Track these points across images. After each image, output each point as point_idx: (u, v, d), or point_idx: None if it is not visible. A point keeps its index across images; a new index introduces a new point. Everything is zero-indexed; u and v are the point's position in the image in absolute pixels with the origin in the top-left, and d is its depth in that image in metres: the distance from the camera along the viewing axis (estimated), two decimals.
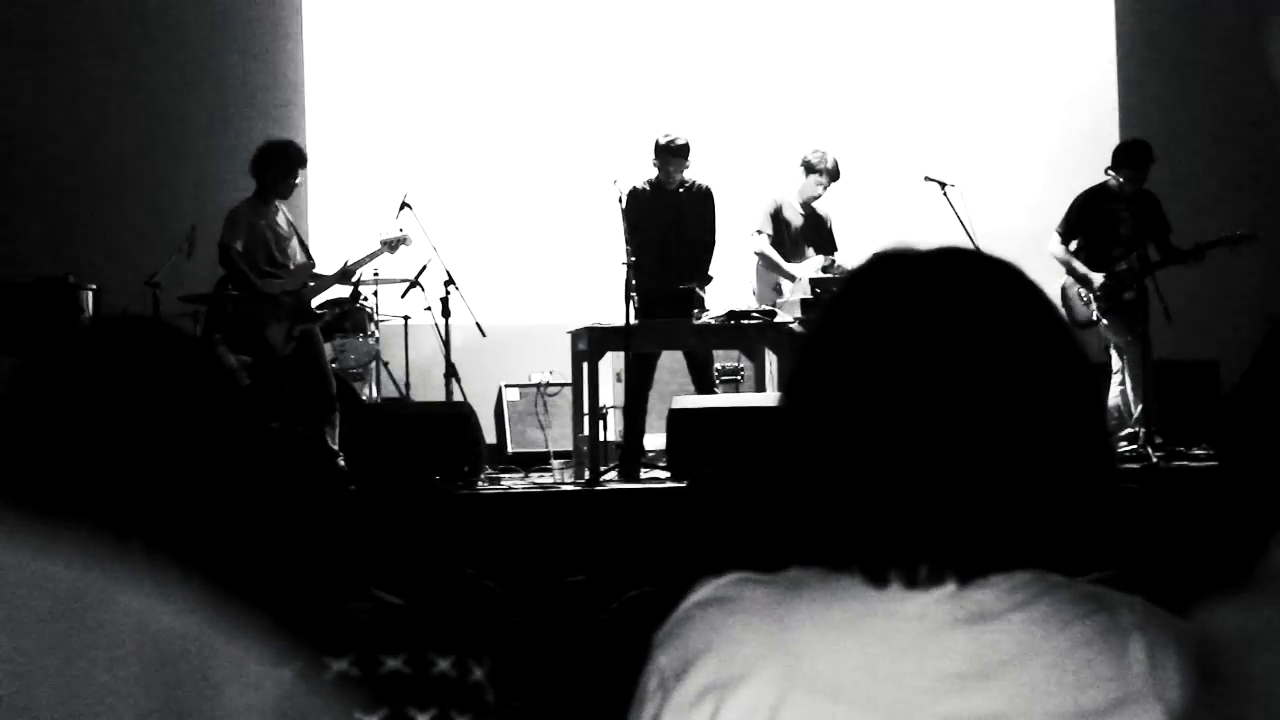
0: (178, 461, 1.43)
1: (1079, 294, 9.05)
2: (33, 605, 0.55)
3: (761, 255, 9.18)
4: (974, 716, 1.26)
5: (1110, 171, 9.08)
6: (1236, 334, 9.35)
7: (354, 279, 8.80)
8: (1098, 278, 9.00)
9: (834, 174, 9.23)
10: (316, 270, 8.57)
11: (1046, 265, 8.94)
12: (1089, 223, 9.10)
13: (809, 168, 9.22)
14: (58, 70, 10.50)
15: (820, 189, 9.23)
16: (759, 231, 9.19)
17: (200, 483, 1.43)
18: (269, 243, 8.38)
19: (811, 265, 9.06)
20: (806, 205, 9.27)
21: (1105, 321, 9.00)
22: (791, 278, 8.99)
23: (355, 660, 1.60)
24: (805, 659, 1.29)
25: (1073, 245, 9.14)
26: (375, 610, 1.70)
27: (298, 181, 8.42)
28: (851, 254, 9.09)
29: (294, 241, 8.55)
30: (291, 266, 8.43)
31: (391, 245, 8.71)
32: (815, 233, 9.27)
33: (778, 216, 9.21)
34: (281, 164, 8.34)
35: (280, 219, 8.46)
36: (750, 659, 1.29)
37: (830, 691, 1.27)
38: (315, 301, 8.69)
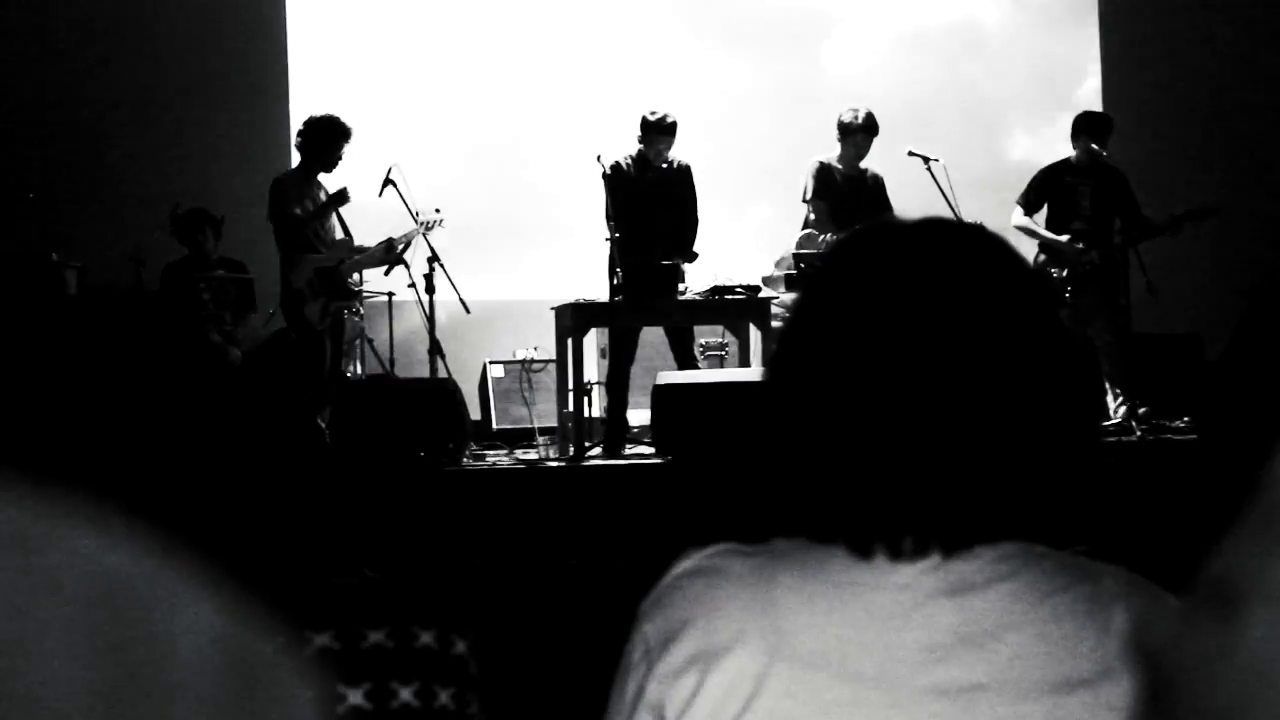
0: (158, 438, 1.43)
1: (1051, 274, 8.99)
2: None
3: (823, 225, 8.95)
4: (959, 687, 1.27)
5: (1093, 146, 9.09)
6: (1218, 308, 9.38)
7: (398, 253, 8.85)
8: (1061, 241, 8.95)
9: (869, 128, 9.00)
10: (355, 246, 8.73)
11: (1030, 239, 8.95)
12: (1048, 196, 9.10)
13: (842, 130, 9.05)
14: (41, 51, 10.45)
15: (861, 147, 9.02)
16: (813, 201, 9.02)
17: (180, 460, 1.43)
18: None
19: None
20: (851, 167, 9.09)
21: (1070, 306, 8.91)
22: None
23: (337, 634, 1.60)
24: (790, 630, 1.29)
25: (1040, 217, 9.14)
26: (357, 584, 1.70)
27: (342, 154, 8.55)
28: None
29: (333, 217, 8.70)
30: (330, 241, 8.58)
31: (428, 226, 8.81)
32: (862, 195, 9.04)
33: (825, 177, 9.02)
34: (325, 137, 8.52)
35: (322, 195, 8.64)
36: (735, 629, 1.30)
37: (815, 662, 1.28)
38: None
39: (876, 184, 9.17)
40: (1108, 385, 8.91)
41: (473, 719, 1.54)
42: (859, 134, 9.01)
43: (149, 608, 0.58)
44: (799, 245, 8.96)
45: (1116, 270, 8.95)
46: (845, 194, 9.06)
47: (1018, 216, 9.09)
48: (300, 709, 0.62)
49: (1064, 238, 8.94)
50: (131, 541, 0.59)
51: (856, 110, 9.07)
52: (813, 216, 9.05)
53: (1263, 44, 11.67)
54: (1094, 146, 8.98)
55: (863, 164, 9.12)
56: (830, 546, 1.33)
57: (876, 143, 9.04)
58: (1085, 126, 9.12)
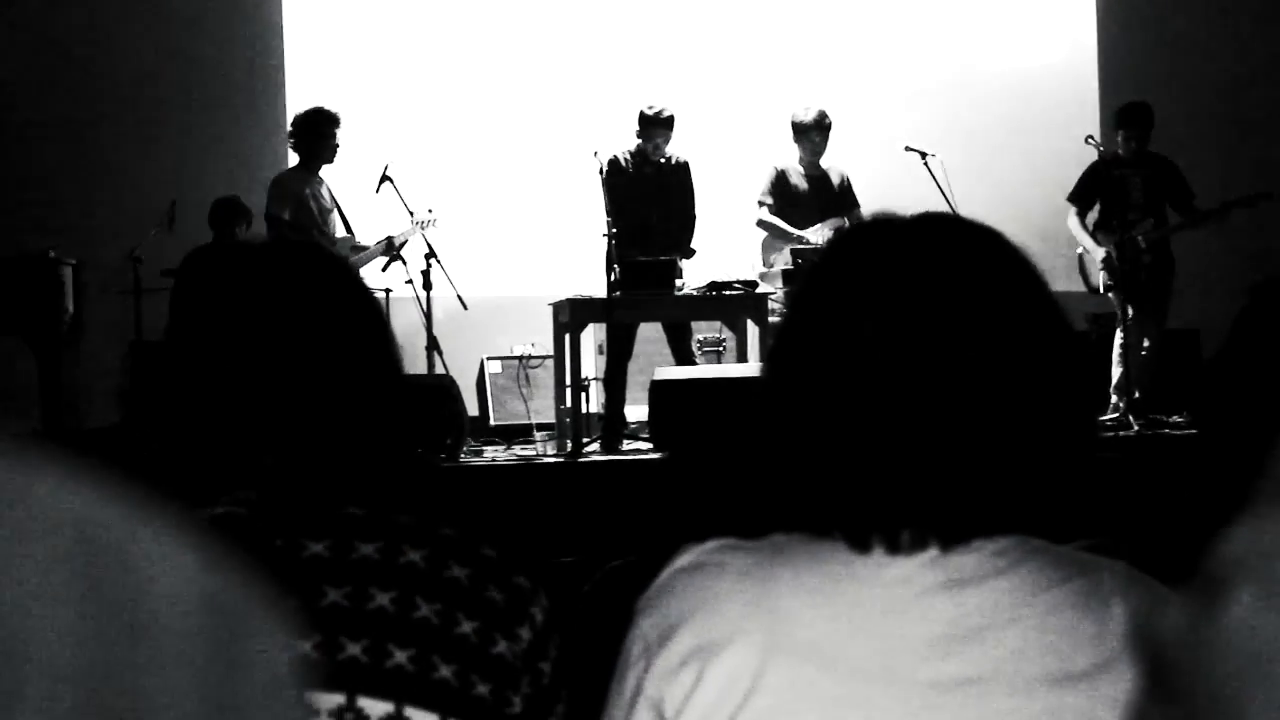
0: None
1: (1094, 260, 8.97)
2: None
3: (765, 225, 9.06)
4: (957, 680, 1.27)
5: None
6: (1217, 303, 9.36)
7: (395, 250, 8.86)
8: (1100, 252, 8.89)
9: (821, 126, 9.02)
10: (356, 243, 8.73)
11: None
12: (1100, 191, 9.03)
13: (795, 129, 9.08)
14: (37, 48, 10.43)
15: (816, 146, 9.06)
16: (761, 202, 9.09)
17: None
18: (312, 213, 8.56)
19: (824, 229, 8.87)
20: (811, 167, 9.09)
21: (1112, 292, 8.90)
22: (805, 242, 8.86)
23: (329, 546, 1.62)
24: (788, 624, 1.29)
25: (1091, 215, 9.08)
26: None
27: (337, 143, 8.55)
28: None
29: (335, 214, 8.70)
30: (333, 239, 8.60)
31: (423, 225, 8.83)
32: (825, 196, 9.05)
33: (780, 183, 9.07)
34: (315, 130, 8.54)
35: (324, 190, 8.65)
36: (733, 624, 1.30)
37: (813, 656, 1.28)
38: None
39: (843, 183, 9.16)
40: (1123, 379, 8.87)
41: (514, 718, 1.55)
42: (812, 132, 9.01)
43: (123, 547, 0.60)
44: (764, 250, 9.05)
45: (1166, 265, 8.96)
46: (806, 196, 9.07)
47: (1070, 219, 9.04)
48: (275, 646, 0.63)
49: (1100, 252, 8.87)
50: (99, 488, 0.60)
51: (808, 108, 9.08)
52: (759, 219, 9.09)
53: (1261, 37, 11.67)
54: (1132, 136, 8.94)
55: (827, 163, 9.12)
56: (828, 540, 1.33)
57: (872, 137, 9.03)
58: (1125, 118, 9.08)
